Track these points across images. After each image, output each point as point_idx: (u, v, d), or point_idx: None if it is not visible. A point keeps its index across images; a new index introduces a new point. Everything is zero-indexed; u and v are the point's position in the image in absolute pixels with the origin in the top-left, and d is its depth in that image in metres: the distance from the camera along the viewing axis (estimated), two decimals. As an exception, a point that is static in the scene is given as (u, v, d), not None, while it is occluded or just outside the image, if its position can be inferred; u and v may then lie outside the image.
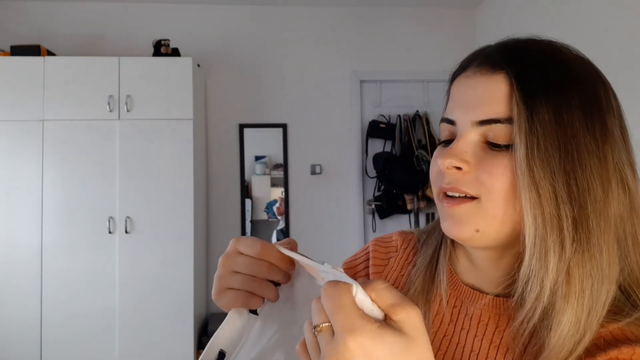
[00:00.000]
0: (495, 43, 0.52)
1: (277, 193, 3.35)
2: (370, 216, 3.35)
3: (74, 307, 2.63)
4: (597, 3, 2.19)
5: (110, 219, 2.69)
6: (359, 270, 0.67)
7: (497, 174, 0.47)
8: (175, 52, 2.92)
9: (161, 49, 2.88)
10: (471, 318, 0.54)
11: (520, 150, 0.45)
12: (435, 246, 0.60)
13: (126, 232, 2.69)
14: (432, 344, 0.51)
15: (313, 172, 3.31)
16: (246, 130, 3.31)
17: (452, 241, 0.59)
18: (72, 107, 2.71)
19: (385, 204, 3.25)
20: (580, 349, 0.43)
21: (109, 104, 2.72)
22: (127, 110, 2.73)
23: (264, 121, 3.34)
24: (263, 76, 3.35)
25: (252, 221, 3.32)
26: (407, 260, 0.64)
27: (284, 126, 3.34)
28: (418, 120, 3.33)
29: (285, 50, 3.36)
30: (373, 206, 3.30)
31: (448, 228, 0.51)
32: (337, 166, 3.34)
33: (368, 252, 0.68)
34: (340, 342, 0.31)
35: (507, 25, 3.04)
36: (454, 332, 0.55)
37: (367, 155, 3.35)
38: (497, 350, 0.50)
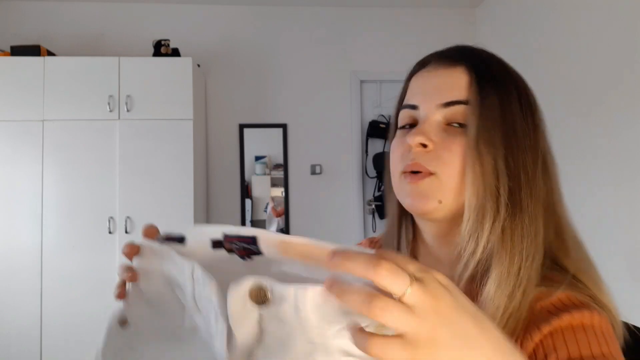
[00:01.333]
0: (442, 49, 0.62)
1: (277, 193, 3.35)
2: (370, 216, 3.35)
3: (74, 307, 2.63)
4: (597, 3, 2.19)
5: (111, 219, 2.69)
6: None
7: (455, 150, 0.54)
8: (175, 52, 2.92)
9: (161, 49, 2.88)
10: None
11: (471, 129, 0.53)
12: (397, 241, 0.66)
13: (126, 232, 2.69)
14: None
15: (313, 172, 3.31)
16: (246, 130, 3.31)
17: (412, 235, 0.66)
18: (72, 107, 2.71)
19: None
20: (513, 306, 0.48)
21: (109, 104, 2.72)
22: (127, 110, 2.73)
23: (264, 121, 3.34)
24: (263, 76, 3.35)
25: (252, 221, 3.32)
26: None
27: (284, 126, 3.34)
28: (418, 120, 3.33)
29: (285, 50, 3.36)
30: (373, 206, 3.30)
31: (414, 203, 0.56)
32: (337, 166, 3.34)
33: None
34: (432, 280, 0.31)
35: (507, 25, 3.04)
36: None
37: (367, 155, 3.35)
38: None
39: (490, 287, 0.50)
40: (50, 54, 2.84)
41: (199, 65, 3.12)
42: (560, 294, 0.50)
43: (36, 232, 2.64)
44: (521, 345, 0.48)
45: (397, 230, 0.66)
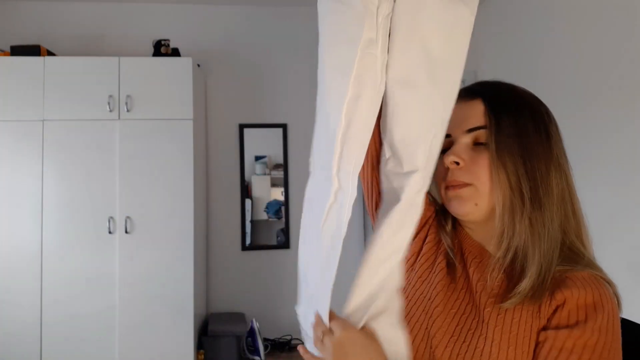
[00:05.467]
0: (468, 85, 0.77)
1: (277, 193, 3.35)
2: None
3: (74, 307, 2.63)
4: (596, 3, 2.19)
5: (110, 219, 2.69)
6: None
7: (481, 164, 0.69)
8: (175, 52, 2.92)
9: (161, 49, 2.88)
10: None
11: (491, 145, 0.69)
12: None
13: (126, 232, 2.69)
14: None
15: (313, 172, 3.30)
16: (246, 130, 3.31)
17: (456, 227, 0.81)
18: (72, 107, 2.71)
19: (385, 204, 3.25)
20: (544, 272, 0.64)
21: (109, 104, 2.72)
22: (127, 110, 2.73)
23: (264, 121, 3.34)
24: (263, 76, 3.35)
25: (252, 221, 3.32)
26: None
27: (284, 126, 3.34)
28: (418, 120, 3.33)
29: (285, 50, 3.36)
30: (373, 206, 3.30)
31: (455, 206, 0.72)
32: (337, 166, 3.34)
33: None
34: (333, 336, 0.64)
35: (507, 25, 3.04)
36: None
37: (367, 155, 3.35)
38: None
39: (530, 264, 0.65)
40: (50, 54, 2.84)
41: (199, 65, 3.12)
42: (584, 273, 0.66)
43: (36, 232, 2.64)
44: (550, 299, 0.64)
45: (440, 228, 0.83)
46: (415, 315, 0.74)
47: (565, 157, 0.72)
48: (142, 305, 2.68)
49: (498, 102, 0.72)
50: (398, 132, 0.66)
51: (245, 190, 3.31)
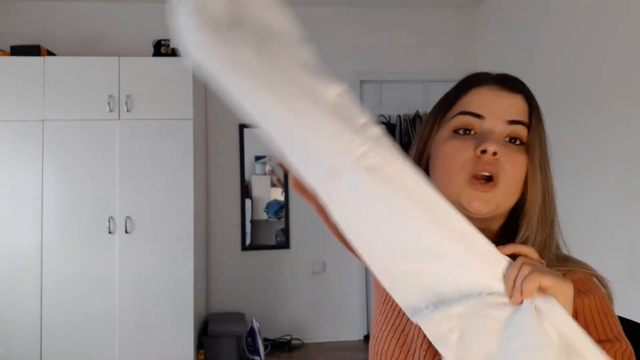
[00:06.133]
0: (498, 73, 0.73)
1: (277, 193, 3.36)
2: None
3: (74, 307, 2.63)
4: (596, 3, 2.19)
5: (110, 219, 2.69)
6: None
7: (516, 165, 0.65)
8: (175, 52, 2.92)
9: (161, 49, 2.88)
10: None
11: (534, 149, 0.67)
12: None
13: (126, 232, 2.69)
14: None
15: (313, 172, 3.31)
16: (246, 130, 3.31)
17: None
18: (72, 107, 2.71)
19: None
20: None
21: (109, 104, 2.72)
22: (127, 110, 2.73)
23: (264, 121, 3.33)
24: (263, 76, 3.35)
25: (252, 221, 3.32)
26: None
27: (284, 126, 3.34)
28: (418, 120, 3.33)
29: (285, 50, 3.36)
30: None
31: (478, 206, 0.65)
32: (337, 166, 3.34)
33: None
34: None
35: (507, 25, 3.05)
36: None
37: (367, 155, 3.35)
38: None
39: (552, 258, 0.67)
40: (50, 54, 2.84)
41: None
42: (580, 274, 0.66)
43: (36, 232, 2.64)
44: None
45: None
46: (395, 355, 0.70)
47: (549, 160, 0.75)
48: (142, 305, 2.67)
49: (536, 106, 0.70)
50: None
51: (245, 190, 3.31)
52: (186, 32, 0.57)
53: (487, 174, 0.64)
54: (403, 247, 0.54)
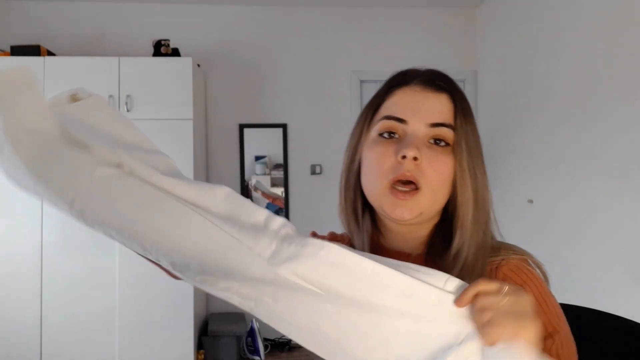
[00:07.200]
0: (425, 69, 0.71)
1: (277, 193, 3.35)
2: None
3: (74, 307, 2.63)
4: (596, 3, 2.19)
5: (110, 219, 2.69)
6: None
7: (439, 168, 0.64)
8: (175, 52, 2.92)
9: (161, 49, 2.88)
10: None
11: (460, 151, 0.64)
12: (359, 235, 0.77)
13: (126, 232, 2.69)
14: None
15: (313, 172, 3.31)
16: (246, 130, 3.31)
17: (379, 226, 0.74)
18: (72, 107, 2.71)
19: (385, 204, 3.25)
20: (481, 261, 0.64)
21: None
22: (127, 110, 2.73)
23: (264, 121, 3.34)
24: (263, 76, 3.35)
25: (252, 221, 3.32)
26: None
27: (284, 126, 3.34)
28: (418, 120, 3.33)
29: (285, 50, 3.37)
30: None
31: (401, 214, 0.64)
32: (337, 166, 3.29)
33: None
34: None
35: (507, 25, 3.04)
36: None
37: (367, 155, 3.35)
38: None
39: (473, 266, 0.64)
40: (50, 54, 2.84)
41: (199, 65, 3.11)
42: (514, 260, 0.65)
43: (36, 232, 2.64)
44: None
45: (357, 225, 0.76)
46: None
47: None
48: (142, 305, 2.68)
49: (463, 104, 0.67)
50: None
51: (245, 190, 3.31)
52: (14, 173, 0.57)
53: (408, 179, 0.63)
54: (355, 339, 0.51)
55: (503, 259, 0.65)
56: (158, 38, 2.94)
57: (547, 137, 2.54)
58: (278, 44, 3.36)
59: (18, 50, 2.73)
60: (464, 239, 0.65)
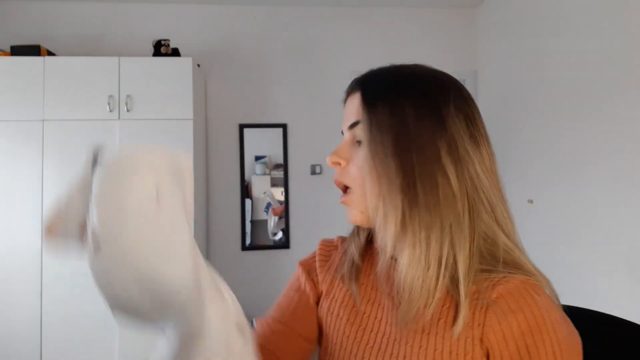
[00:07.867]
0: (357, 77, 0.69)
1: (277, 193, 3.35)
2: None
3: (74, 307, 2.63)
4: (596, 3, 2.19)
5: (110, 219, 2.69)
6: (311, 264, 0.83)
7: (357, 165, 0.63)
8: (175, 52, 2.92)
9: (161, 49, 2.88)
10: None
11: (364, 143, 0.62)
12: (354, 245, 0.76)
13: (126, 232, 2.69)
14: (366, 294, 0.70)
15: (313, 172, 3.31)
16: (246, 130, 3.31)
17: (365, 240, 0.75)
18: (72, 107, 2.71)
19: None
20: (430, 278, 0.56)
21: (109, 104, 2.72)
22: (127, 110, 2.73)
23: (264, 121, 3.34)
24: (263, 76, 3.35)
25: (252, 221, 3.32)
26: (343, 253, 0.79)
27: (284, 126, 3.34)
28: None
29: (285, 50, 3.37)
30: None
31: (348, 216, 0.67)
32: (337, 166, 3.34)
33: (315, 252, 0.85)
34: None
35: (507, 25, 3.04)
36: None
37: (367, 155, 3.35)
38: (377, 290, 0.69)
39: (401, 267, 0.59)
40: (50, 54, 2.84)
41: (199, 65, 3.12)
42: (515, 282, 0.57)
43: (36, 232, 2.64)
44: (483, 323, 0.56)
45: (353, 236, 0.77)
46: None
47: (476, 142, 0.60)
48: (142, 305, 2.67)
49: (376, 90, 0.63)
50: None
51: (245, 190, 3.31)
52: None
53: (336, 185, 0.68)
54: None
55: (504, 277, 0.58)
56: (158, 38, 2.94)
57: (547, 137, 2.54)
58: (278, 44, 3.36)
59: (18, 50, 2.74)
60: (380, 235, 0.60)
